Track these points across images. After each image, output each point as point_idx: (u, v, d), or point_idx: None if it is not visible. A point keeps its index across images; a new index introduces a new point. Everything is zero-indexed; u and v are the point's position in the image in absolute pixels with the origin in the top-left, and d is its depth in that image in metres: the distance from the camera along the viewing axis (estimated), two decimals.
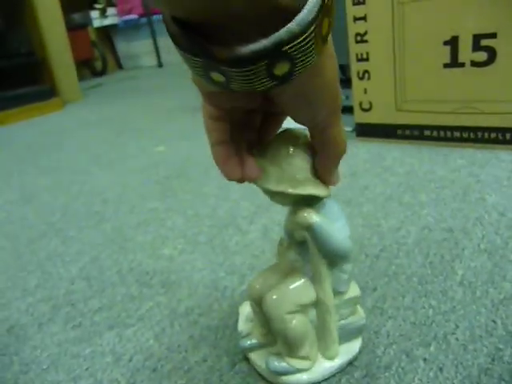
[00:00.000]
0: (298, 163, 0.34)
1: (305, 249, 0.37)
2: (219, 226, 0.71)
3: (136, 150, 1.21)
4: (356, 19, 0.91)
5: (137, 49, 3.63)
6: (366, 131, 1.00)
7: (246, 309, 0.44)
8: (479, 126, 0.86)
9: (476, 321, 0.44)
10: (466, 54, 0.82)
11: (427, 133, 0.92)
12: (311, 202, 0.35)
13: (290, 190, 0.34)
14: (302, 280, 0.38)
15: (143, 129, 1.45)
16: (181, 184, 0.91)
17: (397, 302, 0.48)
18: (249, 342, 0.42)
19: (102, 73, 3.50)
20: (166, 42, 3.57)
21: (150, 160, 1.10)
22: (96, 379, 0.44)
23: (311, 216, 0.35)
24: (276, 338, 0.40)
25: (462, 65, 0.83)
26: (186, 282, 0.58)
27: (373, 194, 0.74)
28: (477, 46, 0.81)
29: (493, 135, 0.85)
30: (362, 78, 0.96)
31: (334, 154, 0.34)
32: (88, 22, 3.34)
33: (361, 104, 0.98)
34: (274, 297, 0.38)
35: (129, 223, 0.77)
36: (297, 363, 0.39)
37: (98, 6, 3.35)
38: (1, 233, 0.83)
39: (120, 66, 3.80)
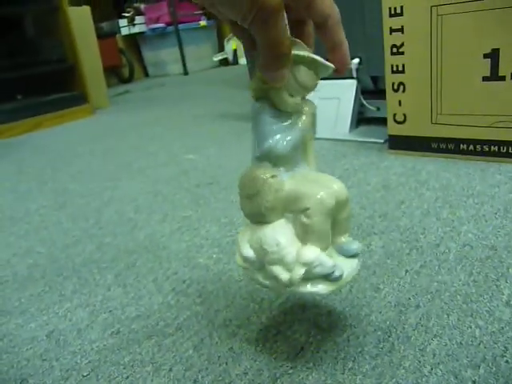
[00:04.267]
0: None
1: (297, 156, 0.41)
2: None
3: (166, 158, 1.22)
4: (392, 31, 0.91)
5: (163, 57, 3.69)
6: (399, 143, 0.99)
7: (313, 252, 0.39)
8: None
9: None
10: (507, 66, 0.81)
11: (463, 147, 0.91)
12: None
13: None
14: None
15: (172, 136, 1.46)
16: (213, 192, 0.92)
17: (442, 320, 0.47)
18: (339, 268, 0.39)
19: (129, 80, 3.56)
20: (191, 51, 3.62)
21: (180, 168, 1.11)
22: None
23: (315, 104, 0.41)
24: (342, 227, 0.41)
25: (503, 78, 0.82)
26: (223, 293, 0.57)
27: (409, 209, 0.73)
28: None
29: None
30: (396, 90, 0.95)
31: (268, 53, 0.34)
32: (116, 30, 3.41)
33: (395, 116, 0.97)
34: (336, 186, 0.39)
35: (162, 231, 0.78)
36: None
37: (126, 14, 3.42)
38: (36, 237, 0.84)
39: (146, 74, 3.86)
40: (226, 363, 0.45)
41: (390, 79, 0.95)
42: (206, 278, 0.61)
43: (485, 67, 0.83)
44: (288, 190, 0.40)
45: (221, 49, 3.68)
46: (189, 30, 3.57)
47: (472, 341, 0.44)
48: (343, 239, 0.41)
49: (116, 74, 3.57)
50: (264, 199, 0.40)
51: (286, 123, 0.40)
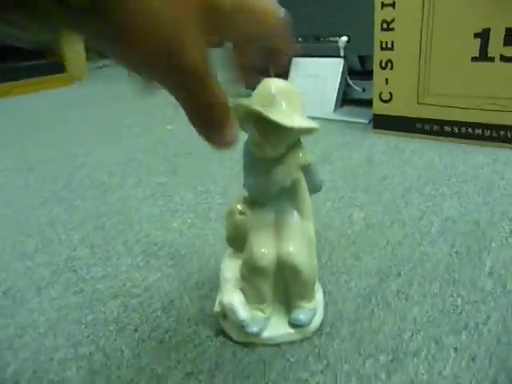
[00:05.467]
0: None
1: (281, 200, 0.39)
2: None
3: (143, 128, 1.18)
4: (384, 5, 0.88)
5: None
6: (384, 123, 0.97)
7: (234, 298, 0.40)
8: (503, 124, 0.83)
9: (508, 314, 0.41)
10: (496, 47, 0.79)
11: (447, 128, 0.90)
12: (298, 144, 0.38)
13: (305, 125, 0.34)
14: (297, 226, 0.39)
15: (151, 107, 1.41)
16: (191, 162, 0.88)
17: (423, 288, 0.45)
18: (258, 324, 0.39)
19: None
20: None
21: (158, 138, 1.07)
22: (98, 346, 0.41)
23: (308, 154, 0.38)
24: (294, 290, 0.40)
25: (492, 59, 0.81)
26: (197, 257, 0.54)
27: (392, 185, 0.71)
28: (509, 40, 0.78)
29: None
30: (384, 68, 0.93)
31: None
32: None
33: (381, 94, 0.95)
34: (293, 249, 0.38)
35: (135, 196, 0.74)
36: (313, 304, 0.40)
37: None
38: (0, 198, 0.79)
39: None
40: (196, 325, 0.43)
41: (378, 56, 0.93)
42: (180, 241, 0.58)
43: (474, 47, 0.81)
44: (249, 231, 0.40)
45: None
46: None
47: (454, 309, 0.42)
48: (298, 303, 0.40)
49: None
50: (227, 229, 0.41)
51: (262, 168, 0.38)
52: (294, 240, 0.38)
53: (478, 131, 0.86)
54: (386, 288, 0.46)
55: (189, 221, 0.64)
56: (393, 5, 0.87)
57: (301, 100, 0.36)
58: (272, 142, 0.36)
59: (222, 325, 0.41)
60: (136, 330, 0.43)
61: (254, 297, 0.39)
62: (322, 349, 0.38)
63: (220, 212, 0.66)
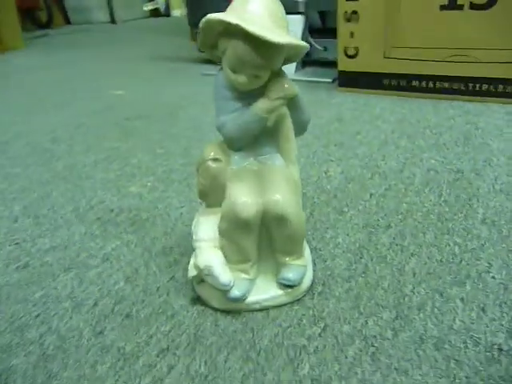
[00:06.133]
0: None
1: (262, 141, 0.34)
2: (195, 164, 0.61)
3: (89, 93, 1.07)
4: None
5: (87, 2, 3.35)
6: (350, 81, 0.93)
7: (212, 258, 0.34)
8: (471, 77, 0.80)
9: (510, 259, 0.38)
10: None
11: (415, 83, 0.86)
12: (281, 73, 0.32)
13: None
14: (282, 170, 0.34)
15: (97, 74, 1.30)
16: (146, 124, 0.80)
17: (417, 239, 0.41)
18: (242, 288, 0.34)
19: (47, 25, 3.20)
20: None
21: (107, 102, 0.97)
22: (50, 328, 0.34)
23: (294, 84, 0.32)
24: (281, 245, 0.34)
25: (461, 7, 0.77)
26: (161, 220, 0.48)
27: (366, 139, 0.67)
28: None
29: (484, 86, 0.80)
30: (349, 20, 0.88)
31: None
32: None
33: (346, 50, 0.90)
34: (280, 196, 0.32)
35: (85, 161, 0.66)
36: (302, 260, 0.35)
37: None
38: None
39: (68, 21, 3.49)
40: (168, 293, 0.37)
41: (342, 7, 0.87)
42: (140, 206, 0.51)
43: None
44: (227, 181, 0.33)
45: None
46: None
47: (453, 258, 0.38)
48: (286, 260, 0.34)
49: (32, 18, 3.18)
50: (199, 181, 0.35)
51: (239, 103, 0.32)
52: (280, 187, 0.33)
53: (446, 84, 0.83)
54: (377, 241, 0.41)
55: (148, 184, 0.57)
56: None
57: (285, 15, 0.30)
58: (253, 66, 0.29)
59: (199, 291, 0.35)
60: (96, 305, 0.36)
61: (235, 255, 0.33)
62: (317, 310, 0.33)
63: (183, 173, 0.59)
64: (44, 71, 1.42)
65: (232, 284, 0.33)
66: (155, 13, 3.32)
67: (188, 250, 0.42)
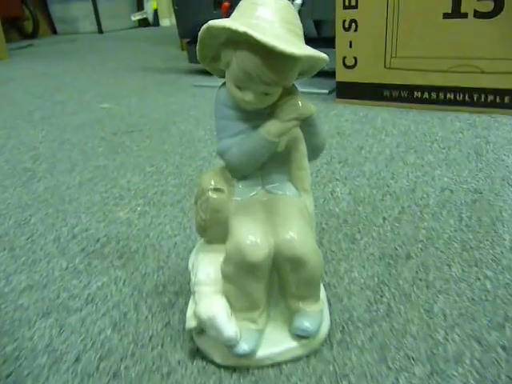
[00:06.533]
0: None
1: (272, 168, 0.29)
2: (189, 184, 0.57)
3: (76, 107, 1.02)
4: None
5: (73, 12, 3.29)
6: (348, 92, 0.89)
7: (215, 306, 0.29)
8: (476, 87, 0.77)
9: None
10: (469, 2, 0.73)
11: (417, 94, 0.83)
12: (293, 90, 0.28)
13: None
14: (294, 202, 0.29)
15: (83, 86, 1.25)
16: (134, 140, 0.75)
17: (443, 272, 0.37)
18: (250, 341, 0.29)
19: (33, 35, 3.14)
20: (106, 7, 3.28)
21: (93, 116, 0.92)
22: None
23: (309, 104, 0.28)
24: (295, 290, 0.29)
25: (465, 15, 0.74)
26: (153, 252, 0.43)
27: (371, 154, 0.63)
28: None
29: (490, 98, 0.77)
30: (347, 29, 0.84)
31: None
32: None
33: (344, 60, 0.87)
34: (294, 234, 0.27)
35: (68, 182, 0.60)
36: (319, 305, 0.30)
37: None
38: None
39: (54, 31, 3.43)
40: (162, 345, 0.31)
41: (340, 16, 0.84)
42: (129, 234, 0.46)
43: (446, 2, 0.74)
44: (230, 215, 0.29)
45: (140, 7, 3.37)
46: None
47: (486, 295, 0.34)
48: (301, 306, 0.29)
49: (17, 28, 3.12)
50: (198, 214, 0.30)
51: (245, 124, 0.27)
52: (294, 222, 0.28)
53: (450, 96, 0.80)
54: (399, 276, 0.37)
55: (138, 208, 0.52)
56: None
57: (300, 22, 0.26)
58: (262, 82, 0.25)
59: (199, 344, 0.30)
60: (78, 361, 0.31)
61: (242, 302, 0.28)
62: (338, 364, 0.29)
63: (176, 195, 0.54)
64: (28, 82, 1.37)
65: (237, 336, 0.28)
66: (143, 22, 3.28)
67: (184, 288, 0.37)
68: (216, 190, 0.29)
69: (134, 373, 0.29)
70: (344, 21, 0.84)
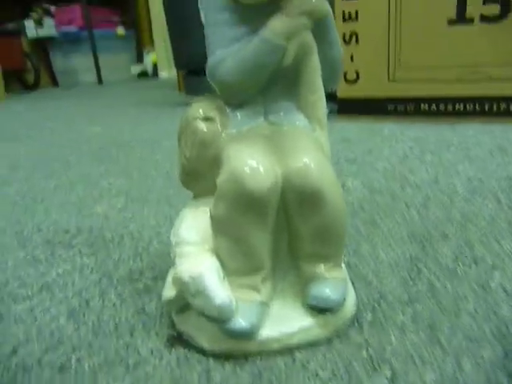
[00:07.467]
0: None
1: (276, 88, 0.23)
2: (178, 186, 0.50)
3: (64, 129, 0.97)
4: None
5: (75, 64, 3.37)
6: (351, 107, 0.84)
7: (203, 264, 0.22)
8: (487, 96, 0.72)
9: None
10: (475, 6, 0.70)
11: (424, 107, 0.78)
12: None
13: None
14: (305, 132, 0.23)
15: (76, 116, 1.21)
16: (124, 151, 0.69)
17: (491, 247, 0.29)
18: (251, 314, 0.21)
19: (35, 86, 3.18)
20: (107, 60, 3.36)
21: (81, 136, 0.86)
22: None
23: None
24: (310, 244, 0.22)
25: (471, 21, 0.71)
26: (131, 240, 0.35)
27: (382, 155, 0.57)
28: None
29: (503, 106, 0.72)
30: (348, 42, 0.81)
31: None
32: (21, 29, 3.06)
33: (345, 74, 0.83)
34: (309, 160, 0.20)
35: (43, 186, 0.53)
36: (342, 271, 0.23)
37: (33, 14, 3.09)
38: None
39: (55, 83, 3.50)
40: (131, 333, 0.23)
41: (340, 29, 0.81)
42: (105, 226, 0.39)
43: (451, 8, 0.72)
44: (223, 150, 0.22)
45: (140, 60, 3.46)
46: (105, 38, 3.31)
47: None
48: (318, 270, 0.22)
49: (19, 79, 3.17)
50: (182, 151, 0.23)
51: (243, 27, 0.21)
52: (307, 150, 0.21)
53: (460, 106, 0.75)
54: (436, 252, 0.29)
55: (119, 205, 0.45)
56: None
57: None
58: None
59: (180, 325, 0.22)
60: (14, 353, 0.22)
61: (239, 261, 0.21)
62: (373, 348, 0.21)
63: (164, 192, 0.47)
64: (23, 114, 1.33)
65: (232, 306, 0.20)
66: (143, 74, 3.35)
67: (165, 272, 0.29)
68: (206, 119, 0.22)
69: (88, 365, 0.21)
70: (344, 34, 0.81)
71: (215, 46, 0.22)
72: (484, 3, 0.69)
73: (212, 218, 0.21)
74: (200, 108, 0.23)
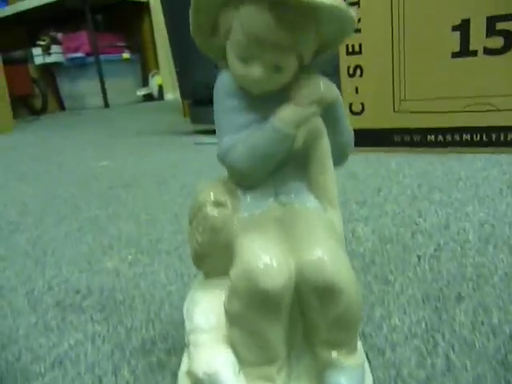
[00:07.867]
0: None
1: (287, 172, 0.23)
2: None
3: (73, 165, 0.98)
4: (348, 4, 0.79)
5: (82, 89, 3.42)
6: (357, 139, 0.83)
7: (217, 359, 0.21)
8: (494, 126, 0.72)
9: None
10: (478, 39, 0.70)
11: (430, 138, 0.78)
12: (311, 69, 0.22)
13: None
14: (318, 215, 0.23)
15: (82, 146, 1.22)
16: (132, 192, 0.69)
17: (510, 314, 0.29)
18: None
19: (42, 111, 3.23)
20: (113, 84, 3.41)
21: (90, 173, 0.87)
22: None
23: (333, 86, 0.22)
24: (326, 333, 0.21)
25: (474, 53, 0.71)
26: (142, 303, 0.35)
27: (391, 195, 0.56)
28: (491, 30, 0.69)
29: (510, 136, 0.72)
30: (352, 75, 0.81)
31: None
32: (28, 57, 3.12)
33: (351, 106, 0.83)
34: (323, 253, 0.20)
35: (53, 234, 0.54)
36: (358, 357, 0.22)
37: (41, 42, 3.15)
38: None
39: (62, 107, 3.55)
40: None
41: (344, 62, 0.82)
42: (116, 285, 0.39)
43: (454, 41, 0.72)
44: (234, 238, 0.22)
45: (145, 83, 3.51)
46: (111, 62, 3.37)
47: None
48: (333, 357, 0.21)
49: (27, 105, 3.23)
50: (193, 237, 0.23)
51: (252, 115, 0.22)
52: (320, 239, 0.21)
53: (467, 137, 0.75)
54: (452, 320, 0.29)
55: (129, 257, 0.45)
56: (357, 2, 0.78)
57: None
58: (273, 48, 0.19)
59: None
60: None
61: (254, 354, 0.21)
62: None
63: (173, 242, 0.47)
64: (31, 148, 1.35)
65: None
66: (148, 97, 3.39)
67: (178, 344, 0.29)
68: (217, 204, 0.23)
69: None
70: (348, 67, 0.81)
71: (224, 132, 0.22)
72: (487, 36, 0.70)
73: (226, 312, 0.21)
74: (211, 191, 0.23)
